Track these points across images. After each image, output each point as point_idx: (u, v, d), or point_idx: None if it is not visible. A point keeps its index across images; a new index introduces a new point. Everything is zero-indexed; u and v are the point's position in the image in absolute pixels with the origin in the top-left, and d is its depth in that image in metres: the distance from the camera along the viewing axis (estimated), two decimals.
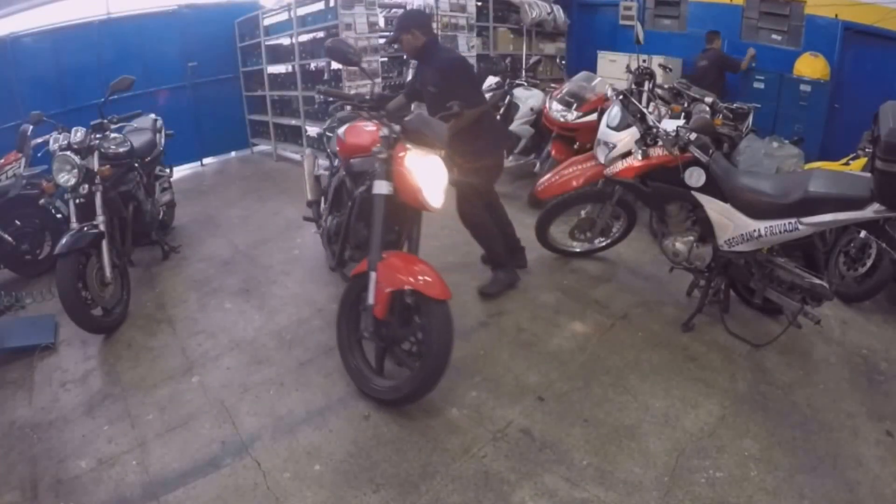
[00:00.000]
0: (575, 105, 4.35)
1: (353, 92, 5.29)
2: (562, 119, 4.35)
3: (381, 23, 5.77)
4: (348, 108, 2.88)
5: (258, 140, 7.27)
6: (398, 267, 2.07)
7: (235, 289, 3.32)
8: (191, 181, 6.12)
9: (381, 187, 2.17)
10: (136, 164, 3.58)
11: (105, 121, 3.26)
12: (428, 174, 2.15)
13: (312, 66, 6.19)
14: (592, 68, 6.63)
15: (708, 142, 2.57)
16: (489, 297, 3.03)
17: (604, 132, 3.00)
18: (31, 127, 3.71)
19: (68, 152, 2.92)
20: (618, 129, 2.92)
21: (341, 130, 2.90)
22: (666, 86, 4.65)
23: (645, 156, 2.66)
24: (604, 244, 3.59)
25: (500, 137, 3.28)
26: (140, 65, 5.79)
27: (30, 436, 2.09)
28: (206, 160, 6.94)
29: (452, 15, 5.89)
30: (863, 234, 2.98)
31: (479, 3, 6.52)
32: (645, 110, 2.84)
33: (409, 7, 6.02)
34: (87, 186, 2.93)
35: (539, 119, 4.73)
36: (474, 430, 2.08)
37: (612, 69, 6.61)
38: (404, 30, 2.81)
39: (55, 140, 3.08)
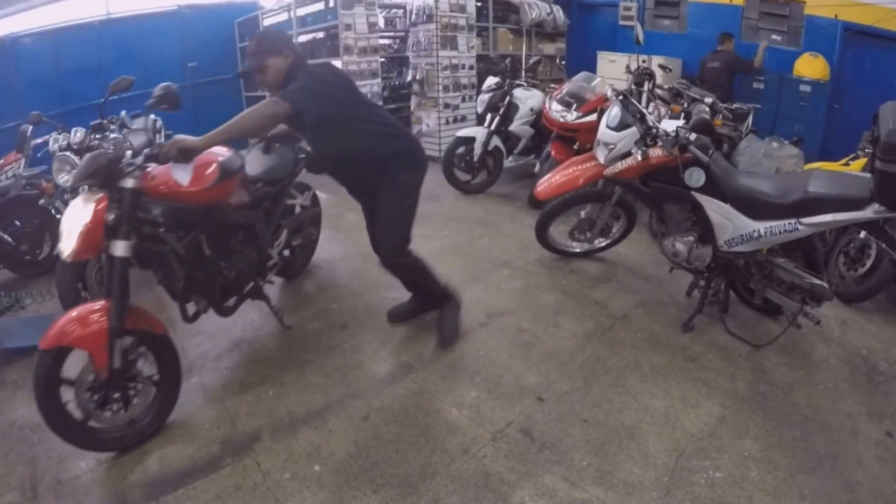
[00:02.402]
0: (575, 105, 4.36)
1: None
2: (561, 119, 4.36)
3: (381, 23, 5.78)
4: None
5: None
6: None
7: None
8: None
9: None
10: None
11: (105, 121, 3.26)
12: (74, 219, 1.88)
13: None
14: (592, 69, 6.63)
15: (708, 142, 2.57)
16: (451, 342, 2.61)
17: (603, 132, 3.00)
18: (30, 127, 3.71)
19: (68, 153, 2.93)
20: (617, 129, 2.92)
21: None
22: (665, 86, 4.66)
23: (645, 156, 2.66)
24: (603, 244, 3.59)
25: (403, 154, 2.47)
26: (140, 65, 5.80)
27: (30, 436, 2.09)
28: None
29: (452, 15, 5.89)
30: (862, 234, 2.98)
31: (479, 4, 6.51)
32: (645, 111, 2.84)
33: (408, 7, 6.03)
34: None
35: (539, 119, 4.73)
36: (474, 430, 2.08)
37: (612, 69, 6.62)
38: (272, 52, 2.19)
39: (55, 140, 3.09)
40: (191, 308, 2.27)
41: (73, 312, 1.88)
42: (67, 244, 1.84)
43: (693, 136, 2.53)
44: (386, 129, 2.40)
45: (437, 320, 2.70)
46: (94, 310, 1.87)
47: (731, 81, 6.15)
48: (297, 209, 3.06)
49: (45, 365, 1.76)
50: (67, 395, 1.85)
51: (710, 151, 2.55)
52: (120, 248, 1.85)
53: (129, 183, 1.87)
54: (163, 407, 2.06)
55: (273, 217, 2.71)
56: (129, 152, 2.00)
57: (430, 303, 2.76)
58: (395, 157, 2.39)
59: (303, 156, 2.90)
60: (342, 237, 4.05)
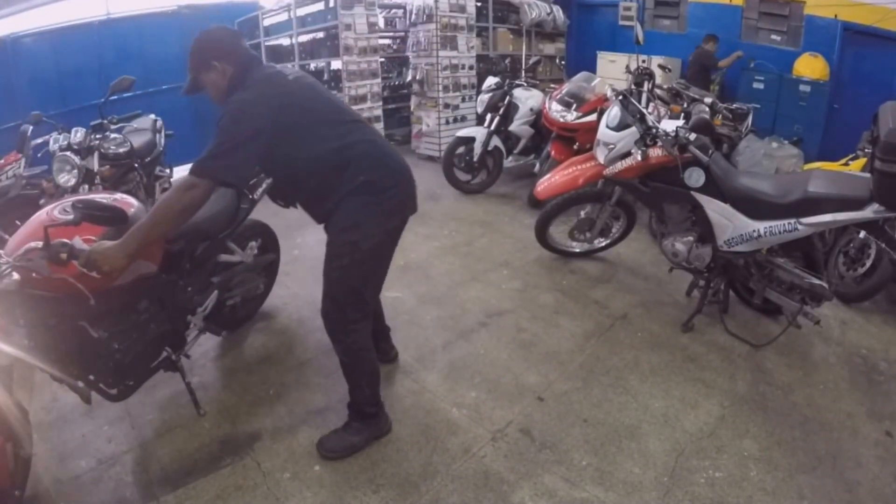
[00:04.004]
0: (574, 105, 4.36)
1: (352, 92, 5.31)
2: (561, 119, 4.36)
3: (381, 23, 5.78)
4: None
5: None
6: None
7: None
8: None
9: None
10: (136, 165, 3.59)
11: (105, 121, 3.26)
12: None
13: (312, 66, 6.20)
14: (592, 69, 6.64)
15: (707, 142, 2.57)
16: (327, 457, 1.95)
17: (603, 132, 3.00)
18: (30, 127, 3.72)
19: (68, 153, 2.93)
20: (617, 129, 2.92)
21: None
22: (665, 86, 4.66)
23: (644, 156, 2.66)
24: (603, 244, 3.59)
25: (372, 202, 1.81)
26: (140, 65, 5.80)
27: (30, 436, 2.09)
28: None
29: (452, 15, 5.89)
30: (862, 234, 2.98)
31: (479, 4, 6.52)
32: (644, 111, 2.84)
33: (408, 7, 6.03)
34: (87, 187, 2.94)
35: (539, 119, 4.73)
36: (474, 430, 2.08)
37: (612, 69, 6.62)
38: (203, 68, 1.79)
39: (55, 140, 3.10)
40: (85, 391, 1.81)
41: None
42: None
43: (693, 136, 2.53)
44: (343, 154, 1.78)
45: (343, 427, 2.02)
46: None
47: (701, 74, 6.25)
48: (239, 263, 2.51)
49: None
50: None
51: (710, 151, 2.55)
52: None
53: (8, 286, 1.56)
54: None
55: (198, 279, 2.20)
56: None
57: (354, 416, 2.00)
58: (352, 194, 1.77)
59: (245, 205, 2.35)
60: None
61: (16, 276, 1.57)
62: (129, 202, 1.94)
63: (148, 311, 1.92)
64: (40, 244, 1.53)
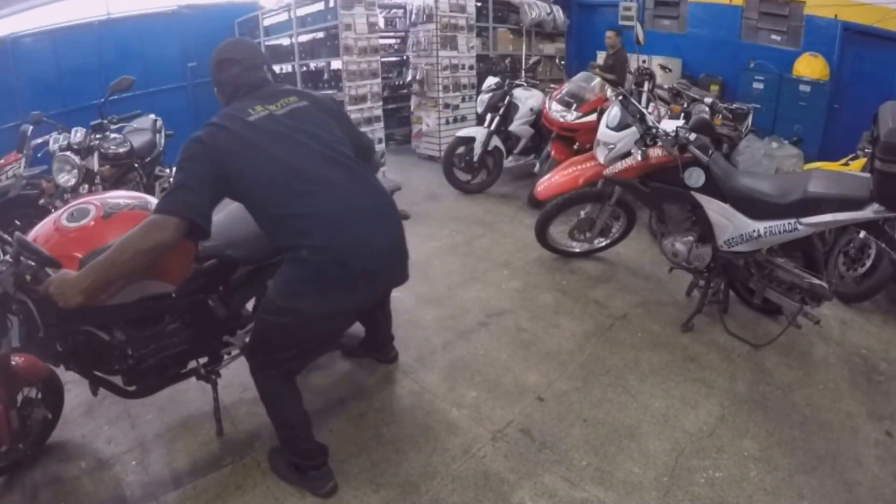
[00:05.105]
0: (574, 105, 4.36)
1: (352, 92, 5.30)
2: (561, 119, 4.36)
3: (381, 23, 5.77)
4: None
5: None
6: None
7: None
8: None
9: None
10: (136, 165, 3.59)
11: (105, 121, 3.26)
12: None
13: (312, 66, 6.20)
14: None
15: (707, 142, 2.57)
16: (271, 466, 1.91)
17: (603, 132, 3.00)
18: (30, 127, 3.71)
19: (68, 152, 2.92)
20: (617, 129, 2.92)
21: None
22: (665, 86, 4.67)
23: (644, 156, 2.66)
24: (603, 244, 3.59)
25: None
26: (140, 65, 5.80)
27: None
28: None
29: (452, 15, 5.89)
30: (862, 234, 2.98)
31: (479, 4, 6.52)
32: (644, 111, 2.84)
33: (408, 7, 6.03)
34: (87, 187, 2.94)
35: (539, 119, 4.73)
36: (474, 430, 2.08)
37: None
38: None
39: (55, 140, 3.09)
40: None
41: None
42: None
43: (693, 136, 2.53)
44: (287, 224, 1.56)
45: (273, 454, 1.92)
46: None
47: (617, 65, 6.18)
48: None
49: None
50: None
51: (710, 151, 2.55)
52: None
53: None
54: (47, 433, 1.99)
55: (237, 302, 2.05)
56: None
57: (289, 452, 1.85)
58: (290, 260, 1.58)
59: None
60: None
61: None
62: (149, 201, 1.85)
63: (171, 325, 1.86)
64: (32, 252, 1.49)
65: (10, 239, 1.70)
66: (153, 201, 1.75)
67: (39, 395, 1.90)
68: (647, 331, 2.77)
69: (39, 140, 3.73)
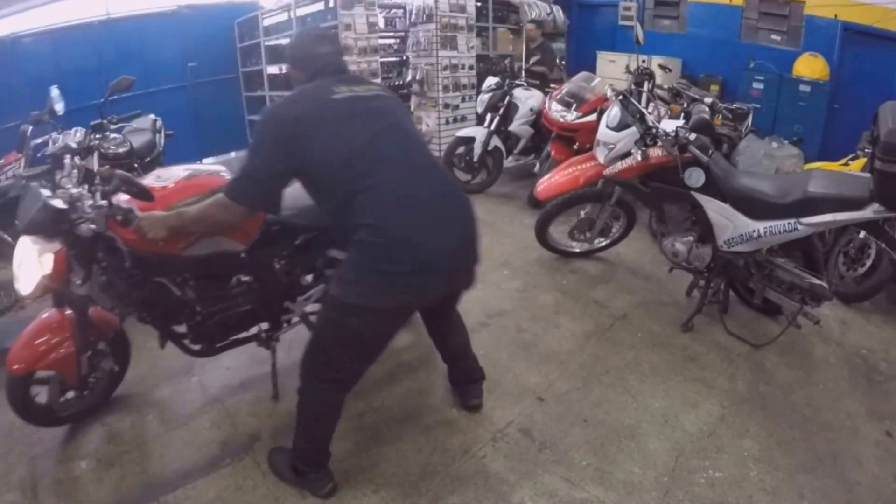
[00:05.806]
0: (574, 105, 4.36)
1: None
2: (561, 119, 4.36)
3: (381, 23, 5.77)
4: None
5: None
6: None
7: None
8: None
9: None
10: (136, 165, 3.59)
11: (105, 121, 3.26)
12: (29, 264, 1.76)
13: None
14: (592, 68, 6.63)
15: (707, 142, 2.57)
16: (270, 467, 1.91)
17: (603, 132, 3.00)
18: (30, 127, 3.71)
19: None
20: (617, 129, 2.92)
21: None
22: (665, 86, 4.66)
23: (644, 156, 2.66)
24: (603, 244, 3.59)
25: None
26: (140, 65, 5.79)
27: (30, 436, 2.09)
28: (206, 160, 6.93)
29: (452, 15, 5.89)
30: (862, 234, 2.98)
31: (479, 4, 6.51)
32: (644, 111, 2.84)
33: (408, 7, 6.03)
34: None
35: (539, 119, 4.73)
36: (474, 430, 2.08)
37: (612, 69, 6.61)
38: (288, 67, 1.87)
39: (55, 140, 3.09)
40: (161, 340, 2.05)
41: (37, 329, 1.92)
42: (25, 287, 1.77)
43: (693, 136, 2.53)
44: (348, 204, 1.53)
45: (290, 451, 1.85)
46: (56, 327, 1.92)
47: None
48: None
49: (18, 387, 1.88)
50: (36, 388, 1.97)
51: (710, 151, 2.55)
52: (79, 289, 1.85)
53: (85, 231, 1.73)
54: (113, 386, 2.22)
55: (299, 267, 2.18)
56: (85, 195, 1.78)
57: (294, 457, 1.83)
58: (355, 243, 1.54)
59: None
60: None
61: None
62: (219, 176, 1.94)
63: (238, 287, 2.02)
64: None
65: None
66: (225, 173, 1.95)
67: (109, 350, 2.10)
68: (647, 331, 2.77)
69: (39, 140, 3.73)
